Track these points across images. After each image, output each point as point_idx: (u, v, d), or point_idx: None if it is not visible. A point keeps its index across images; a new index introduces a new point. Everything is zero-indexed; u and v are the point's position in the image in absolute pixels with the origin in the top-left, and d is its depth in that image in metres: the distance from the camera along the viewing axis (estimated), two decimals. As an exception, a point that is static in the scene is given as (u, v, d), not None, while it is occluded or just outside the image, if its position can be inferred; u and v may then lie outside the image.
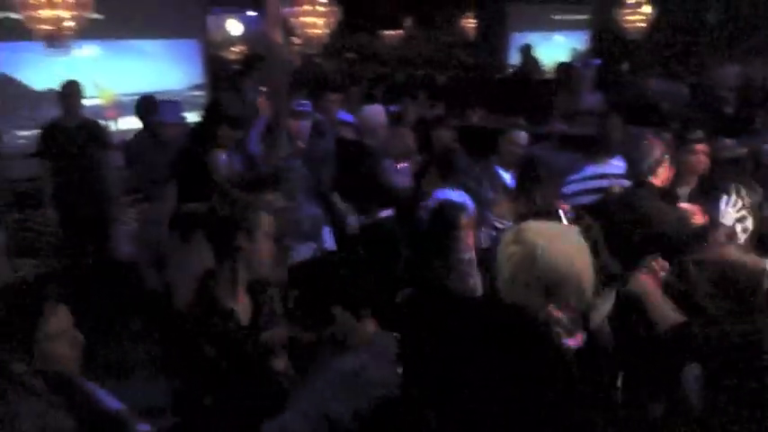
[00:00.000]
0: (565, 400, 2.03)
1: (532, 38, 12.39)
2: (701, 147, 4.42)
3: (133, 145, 5.93)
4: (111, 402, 2.74)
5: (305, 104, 5.11)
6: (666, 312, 2.47)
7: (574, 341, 3.06)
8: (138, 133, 6.01)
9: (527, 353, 2.02)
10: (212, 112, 4.92)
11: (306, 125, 5.03)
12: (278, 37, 4.39)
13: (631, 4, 10.35)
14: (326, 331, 2.45)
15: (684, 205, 4.06)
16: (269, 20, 4.38)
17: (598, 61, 10.28)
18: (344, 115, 6.09)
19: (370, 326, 2.44)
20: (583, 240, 2.19)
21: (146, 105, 5.96)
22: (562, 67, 9.89)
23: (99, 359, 5.21)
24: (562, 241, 2.11)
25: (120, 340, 5.51)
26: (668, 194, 4.09)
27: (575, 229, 2.38)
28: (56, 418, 1.95)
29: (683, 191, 4.34)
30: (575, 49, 13.06)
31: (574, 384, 2.09)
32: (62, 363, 2.07)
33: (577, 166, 4.90)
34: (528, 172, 4.08)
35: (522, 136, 5.15)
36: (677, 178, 4.22)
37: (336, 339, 2.43)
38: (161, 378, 4.95)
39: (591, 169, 4.87)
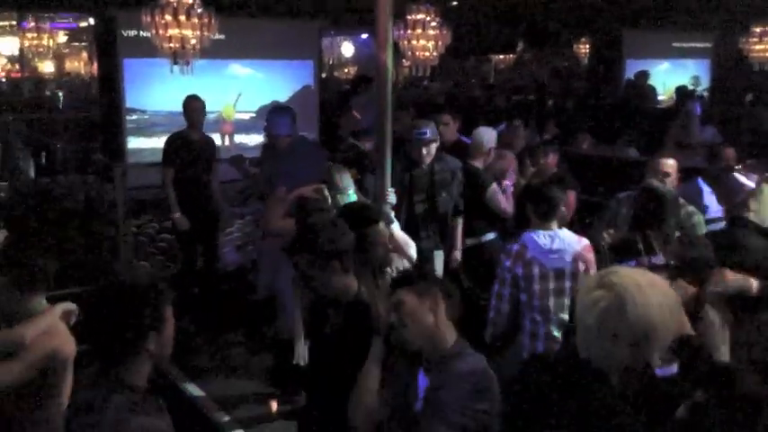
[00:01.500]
0: None
1: (649, 65, 12.02)
2: None
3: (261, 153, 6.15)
4: (196, 392, 2.88)
5: (423, 132, 5.12)
6: None
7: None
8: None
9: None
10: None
11: (428, 151, 5.07)
12: (386, 59, 4.44)
13: (757, 32, 9.85)
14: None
15: None
16: (378, 42, 4.43)
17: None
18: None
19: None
20: (672, 290, 2.04)
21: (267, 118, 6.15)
22: (679, 96, 9.52)
23: (200, 359, 5.47)
24: (653, 289, 1.93)
25: (223, 343, 5.73)
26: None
27: (662, 277, 2.21)
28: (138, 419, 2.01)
29: None
30: (695, 78, 12.55)
31: None
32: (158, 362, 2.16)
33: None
34: (644, 204, 3.90)
35: (673, 163, 4.67)
36: None
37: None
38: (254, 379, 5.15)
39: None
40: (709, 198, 4.75)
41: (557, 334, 3.83)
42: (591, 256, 3.87)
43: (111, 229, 6.50)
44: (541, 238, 3.83)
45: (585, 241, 3.92)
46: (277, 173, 5.07)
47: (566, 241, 3.85)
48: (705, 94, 12.23)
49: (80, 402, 2.08)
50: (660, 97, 11.75)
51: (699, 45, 13.30)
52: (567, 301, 3.83)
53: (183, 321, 5.66)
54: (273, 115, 5.47)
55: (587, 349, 1.94)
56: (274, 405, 4.81)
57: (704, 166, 5.10)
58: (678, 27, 12.70)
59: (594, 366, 1.92)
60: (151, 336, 2.05)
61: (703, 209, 4.58)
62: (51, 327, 2.69)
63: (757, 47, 9.94)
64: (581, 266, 3.82)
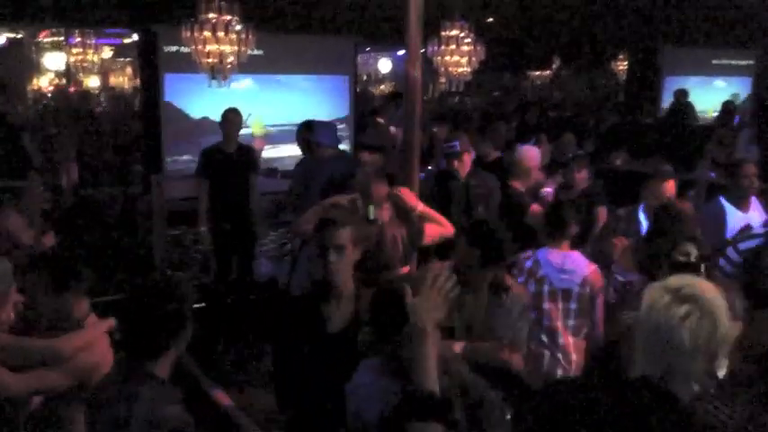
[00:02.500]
0: None
1: (689, 82, 11.88)
2: None
3: (299, 166, 6.26)
4: (229, 404, 2.94)
5: (453, 145, 5.18)
6: None
7: None
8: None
9: None
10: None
11: (459, 163, 5.13)
12: (417, 74, 4.51)
13: (801, 48, 9.67)
14: None
15: None
16: (409, 58, 4.51)
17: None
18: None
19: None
20: None
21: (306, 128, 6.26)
22: (724, 112, 9.36)
23: (229, 367, 5.54)
24: (721, 298, 1.90)
25: (254, 354, 5.80)
26: None
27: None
28: (169, 409, 2.15)
29: None
30: (736, 96, 12.34)
31: None
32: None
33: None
34: (663, 221, 3.88)
35: (671, 186, 4.77)
36: None
37: None
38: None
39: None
40: (733, 215, 4.67)
41: (561, 358, 3.81)
42: (599, 280, 3.85)
43: (148, 238, 6.65)
44: (554, 256, 3.82)
45: (594, 266, 3.89)
46: (316, 180, 5.17)
47: (576, 263, 3.84)
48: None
49: (108, 397, 2.21)
50: (701, 114, 11.60)
51: (740, 63, 13.10)
52: (571, 323, 3.80)
53: (215, 331, 5.82)
54: (318, 127, 5.62)
55: (662, 365, 1.85)
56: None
57: (726, 183, 5.03)
58: (719, 44, 12.53)
59: (662, 387, 1.86)
60: (181, 333, 2.26)
61: (724, 228, 4.52)
62: (94, 341, 2.77)
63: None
64: (588, 290, 3.80)
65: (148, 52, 8.75)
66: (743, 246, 3.85)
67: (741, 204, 4.72)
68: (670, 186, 4.76)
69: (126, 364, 2.29)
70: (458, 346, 3.09)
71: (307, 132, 5.89)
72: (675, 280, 1.94)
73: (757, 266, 3.14)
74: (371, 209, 4.16)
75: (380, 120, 8.12)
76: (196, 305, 2.38)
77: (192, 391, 3.48)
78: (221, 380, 5.22)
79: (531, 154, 5.54)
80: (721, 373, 2.18)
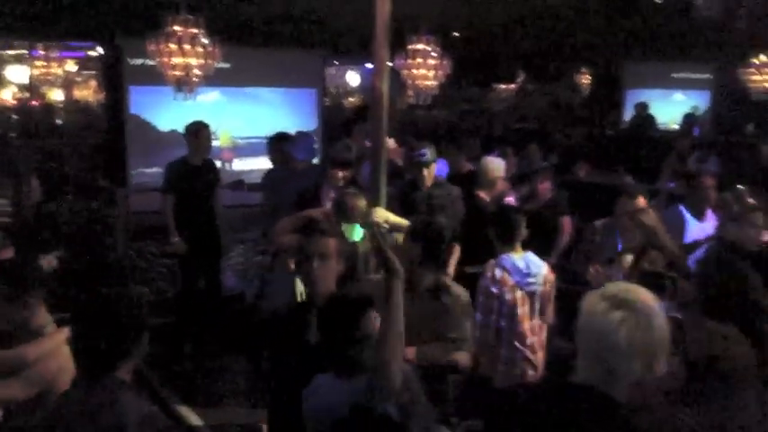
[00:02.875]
0: None
1: (649, 95, 12.16)
2: None
3: (267, 178, 6.26)
4: (195, 420, 2.93)
5: (423, 153, 5.25)
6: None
7: None
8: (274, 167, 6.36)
9: None
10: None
11: (428, 172, 5.20)
12: (383, 88, 4.54)
13: (756, 64, 9.96)
14: None
15: None
16: (376, 71, 4.55)
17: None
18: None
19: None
20: None
21: (284, 139, 6.27)
22: (683, 124, 9.60)
23: (197, 383, 5.48)
24: (657, 303, 1.99)
25: (221, 368, 5.75)
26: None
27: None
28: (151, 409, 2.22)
29: None
30: (695, 108, 12.66)
31: None
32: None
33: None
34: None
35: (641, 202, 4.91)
36: None
37: None
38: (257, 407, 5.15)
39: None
40: (691, 224, 4.82)
41: (531, 358, 3.89)
42: (552, 277, 4.01)
43: (112, 252, 6.57)
44: (519, 262, 3.89)
45: (546, 263, 4.06)
46: (286, 192, 5.19)
47: (536, 264, 3.94)
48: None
49: (80, 407, 2.20)
50: (661, 126, 11.87)
51: (699, 76, 13.45)
52: (536, 321, 3.92)
53: (182, 346, 5.77)
54: (297, 139, 5.63)
55: (601, 369, 1.93)
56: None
57: (685, 193, 5.23)
58: (677, 58, 12.87)
59: (598, 389, 1.93)
60: (141, 339, 2.32)
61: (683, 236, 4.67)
62: (55, 350, 2.76)
63: (755, 77, 10.04)
64: (548, 287, 3.93)
65: (113, 65, 8.69)
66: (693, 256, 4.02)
67: (699, 214, 4.89)
68: (641, 202, 4.86)
69: (86, 375, 2.29)
70: (410, 352, 3.12)
71: (284, 144, 5.92)
72: (612, 287, 2.04)
73: (703, 275, 3.25)
74: (353, 229, 4.19)
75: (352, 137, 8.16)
76: (162, 320, 2.43)
77: (158, 406, 3.45)
78: (188, 396, 5.18)
79: (496, 165, 5.62)
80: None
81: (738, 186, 5.05)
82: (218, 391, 5.39)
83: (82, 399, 2.21)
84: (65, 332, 2.82)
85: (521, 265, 3.88)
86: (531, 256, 3.96)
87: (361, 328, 2.40)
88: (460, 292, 3.45)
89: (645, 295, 2.00)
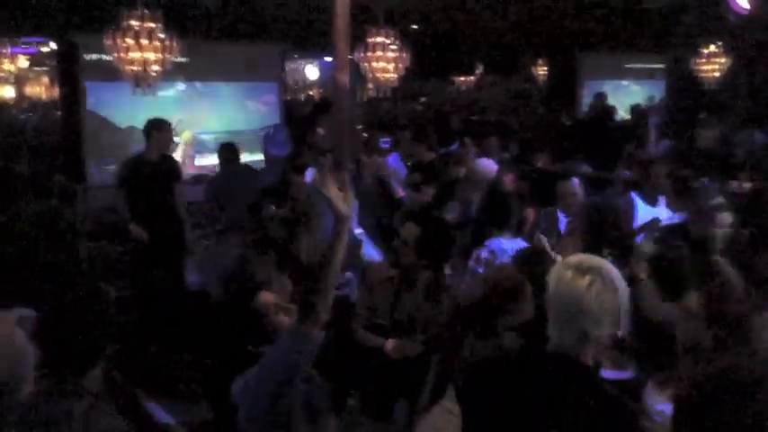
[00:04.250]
0: None
1: (604, 86, 12.38)
2: None
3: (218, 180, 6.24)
4: (164, 417, 2.92)
5: (388, 141, 5.36)
6: None
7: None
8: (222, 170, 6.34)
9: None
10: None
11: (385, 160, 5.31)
12: (344, 81, 4.58)
13: (706, 53, 10.22)
14: None
15: None
16: (337, 64, 4.58)
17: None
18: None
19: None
20: None
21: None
22: (634, 115, 9.81)
23: (161, 379, 5.44)
24: (615, 269, 2.09)
25: (180, 364, 5.71)
26: None
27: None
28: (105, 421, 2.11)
29: None
30: (650, 98, 12.94)
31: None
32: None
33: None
34: (586, 219, 4.08)
35: (575, 183, 5.11)
36: None
37: None
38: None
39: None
40: (643, 210, 5.01)
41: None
42: None
43: (71, 251, 6.47)
44: (505, 245, 3.97)
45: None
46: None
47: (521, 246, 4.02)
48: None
49: (39, 416, 2.09)
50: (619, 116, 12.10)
51: (653, 66, 13.74)
52: None
53: (147, 345, 5.70)
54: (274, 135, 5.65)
55: (575, 334, 2.00)
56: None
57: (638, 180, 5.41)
58: (632, 49, 13.13)
59: (572, 358, 2.00)
60: (108, 345, 2.22)
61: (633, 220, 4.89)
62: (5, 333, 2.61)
63: (706, 67, 10.30)
64: None
65: (68, 61, 8.53)
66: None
67: (651, 200, 5.08)
68: (574, 185, 5.07)
69: (52, 383, 2.16)
70: (389, 344, 3.18)
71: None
72: (573, 257, 2.12)
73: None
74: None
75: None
76: (125, 317, 2.36)
77: (128, 405, 3.42)
78: (158, 394, 5.13)
79: (489, 167, 5.59)
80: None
81: (706, 181, 5.25)
82: (189, 389, 5.36)
83: (41, 408, 2.08)
84: (14, 313, 2.65)
85: (507, 248, 3.96)
86: (521, 243, 4.04)
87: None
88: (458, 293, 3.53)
89: (605, 262, 2.10)
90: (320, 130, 8.08)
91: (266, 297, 3.15)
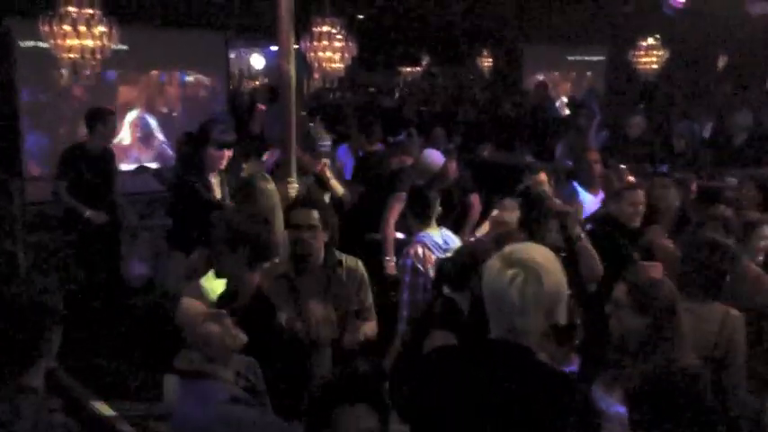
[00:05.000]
0: None
1: (547, 78, 12.61)
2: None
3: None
4: (107, 411, 2.87)
5: (326, 145, 5.36)
6: None
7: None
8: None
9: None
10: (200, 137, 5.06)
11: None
12: (290, 70, 4.57)
13: (644, 46, 10.50)
14: None
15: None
16: (281, 54, 4.56)
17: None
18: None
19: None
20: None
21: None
22: (572, 106, 10.03)
23: (103, 374, 5.35)
24: (552, 260, 2.10)
25: (123, 358, 5.62)
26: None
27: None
28: (54, 418, 2.07)
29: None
30: (590, 90, 13.24)
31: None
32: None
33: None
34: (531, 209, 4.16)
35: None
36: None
37: None
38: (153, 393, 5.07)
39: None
40: (584, 197, 5.14)
41: None
42: None
43: (9, 244, 6.29)
44: (437, 238, 4.02)
45: (458, 238, 4.23)
46: None
47: (452, 238, 4.12)
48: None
49: None
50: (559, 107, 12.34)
51: (593, 59, 14.06)
52: None
53: (85, 337, 5.58)
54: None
55: (504, 326, 2.03)
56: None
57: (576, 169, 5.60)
58: (572, 42, 13.40)
59: (512, 342, 2.02)
60: (51, 339, 2.12)
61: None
62: None
63: (644, 59, 10.58)
64: None
65: (2, 48, 8.23)
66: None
67: (590, 187, 5.22)
68: (542, 177, 5.11)
69: None
70: (369, 327, 3.23)
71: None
72: (509, 248, 2.13)
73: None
74: None
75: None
76: (65, 312, 2.27)
77: (71, 403, 3.36)
78: (102, 390, 5.04)
79: (437, 158, 5.65)
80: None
81: (620, 165, 5.42)
82: (132, 384, 5.28)
83: None
84: None
85: (439, 240, 4.00)
86: (446, 231, 4.12)
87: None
88: (355, 264, 3.50)
89: (539, 253, 2.10)
90: (260, 106, 7.99)
91: (191, 305, 2.71)
